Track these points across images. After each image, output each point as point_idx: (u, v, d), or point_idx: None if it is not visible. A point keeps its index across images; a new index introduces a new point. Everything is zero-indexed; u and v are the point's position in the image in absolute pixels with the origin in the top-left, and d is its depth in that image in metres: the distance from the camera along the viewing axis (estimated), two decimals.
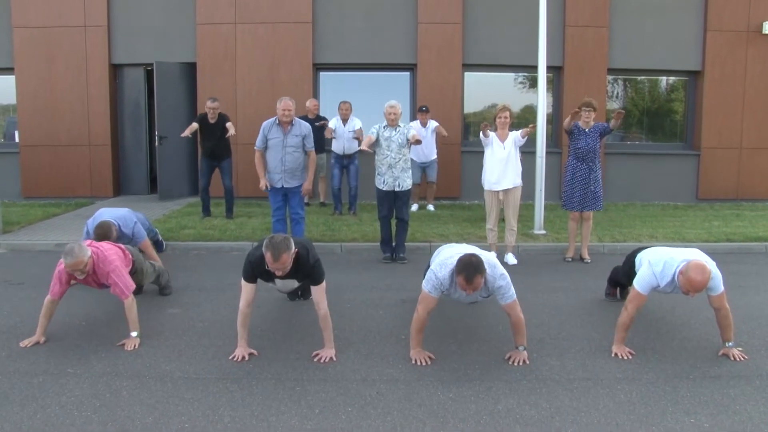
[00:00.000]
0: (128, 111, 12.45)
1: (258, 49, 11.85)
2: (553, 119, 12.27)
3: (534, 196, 9.13)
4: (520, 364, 4.54)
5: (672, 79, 12.74)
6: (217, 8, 11.76)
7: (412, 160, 10.72)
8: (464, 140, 12.30)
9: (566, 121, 7.75)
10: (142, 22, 11.91)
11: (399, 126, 7.57)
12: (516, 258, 7.81)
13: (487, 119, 12.52)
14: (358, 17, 11.85)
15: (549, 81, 11.79)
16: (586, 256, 7.90)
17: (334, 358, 4.61)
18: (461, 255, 4.37)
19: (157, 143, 11.67)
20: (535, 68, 9.48)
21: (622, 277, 5.68)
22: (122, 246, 5.40)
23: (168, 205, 11.29)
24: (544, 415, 3.80)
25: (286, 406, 3.90)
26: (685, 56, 12.19)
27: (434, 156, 10.90)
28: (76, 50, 11.86)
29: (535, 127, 8.10)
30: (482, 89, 12.39)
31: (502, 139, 7.61)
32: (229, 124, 9.74)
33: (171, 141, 11.80)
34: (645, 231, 9.18)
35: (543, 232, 9.02)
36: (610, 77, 12.35)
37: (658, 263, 4.61)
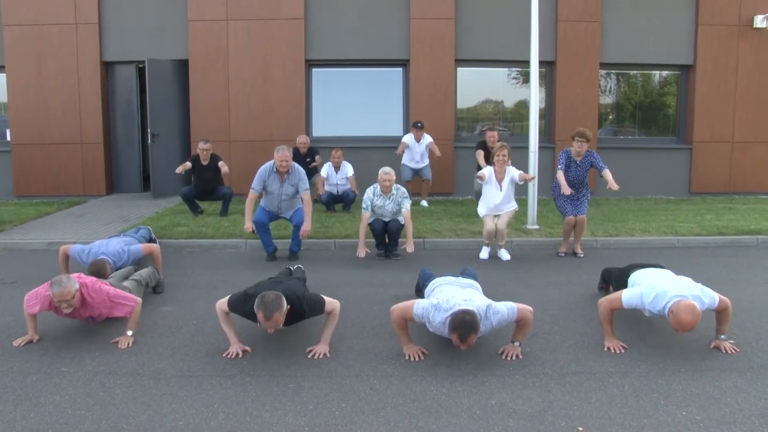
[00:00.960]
0: (120, 109, 12.41)
1: (250, 46, 11.82)
2: (546, 114, 12.29)
3: (527, 191, 9.15)
4: (513, 358, 4.55)
5: (664, 73, 12.77)
6: (209, 5, 11.73)
7: (404, 164, 10.79)
8: (457, 136, 12.31)
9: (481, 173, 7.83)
10: (133, 19, 11.87)
11: (392, 193, 7.57)
12: (509, 254, 7.83)
13: (481, 115, 12.60)
14: (351, 13, 11.84)
15: (541, 76, 11.81)
16: (579, 250, 7.93)
17: (328, 354, 4.62)
18: (456, 311, 4.30)
19: (149, 141, 11.65)
20: (527, 63, 9.49)
21: (614, 284, 5.72)
22: (106, 282, 5.32)
23: (161, 203, 11.27)
24: (536, 409, 3.81)
25: (280, 403, 3.90)
26: (677, 50, 12.23)
27: (427, 163, 10.94)
28: (68, 48, 11.81)
29: (533, 178, 8.30)
30: (475, 84, 12.41)
31: (500, 178, 7.71)
32: (221, 163, 9.87)
33: (164, 138, 11.79)
34: (638, 225, 9.21)
35: (536, 227, 9.04)
36: (602, 72, 12.38)
37: (649, 293, 4.62)
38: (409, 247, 7.39)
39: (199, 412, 3.78)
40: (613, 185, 7.48)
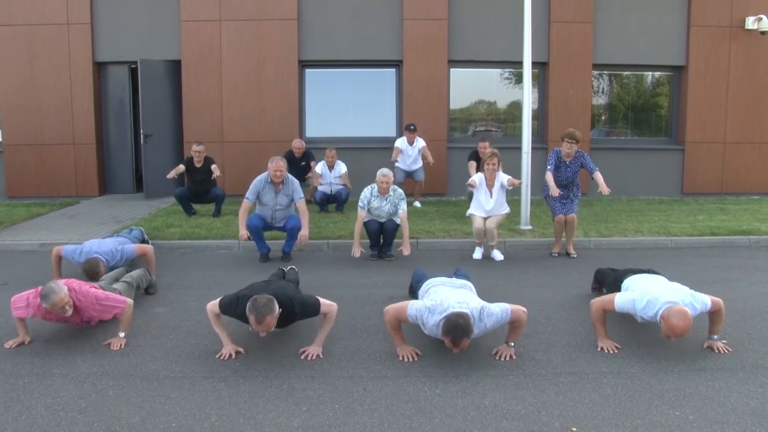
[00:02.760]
0: (113, 109, 12.37)
1: (243, 47, 11.80)
2: (539, 115, 12.31)
3: (520, 191, 9.16)
4: (507, 359, 4.56)
5: (657, 74, 12.82)
6: (202, 5, 11.70)
7: (397, 166, 10.78)
8: (450, 136, 12.32)
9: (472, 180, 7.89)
10: (126, 19, 11.83)
11: (389, 195, 7.57)
12: (502, 254, 7.83)
13: (474, 116, 12.61)
14: (344, 14, 11.84)
15: (534, 77, 11.84)
16: (572, 251, 7.94)
17: (321, 356, 4.61)
18: (449, 314, 4.30)
19: (142, 141, 11.61)
20: (520, 64, 9.50)
21: (607, 287, 5.73)
22: (95, 285, 5.29)
23: (154, 204, 11.24)
24: (530, 409, 3.82)
25: (273, 404, 3.89)
26: (670, 51, 12.27)
27: (420, 165, 10.95)
28: (60, 48, 11.76)
29: (521, 183, 8.33)
30: (468, 85, 12.42)
31: (490, 185, 7.75)
32: (214, 167, 9.87)
33: (156, 139, 11.75)
34: (630, 225, 9.23)
35: (529, 227, 9.05)
36: (595, 72, 12.41)
37: (641, 299, 4.64)
38: (406, 250, 7.39)
39: (191, 414, 3.76)
40: (605, 189, 7.49)
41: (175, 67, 11.99)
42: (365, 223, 7.66)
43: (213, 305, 4.68)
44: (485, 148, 9.93)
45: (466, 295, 4.66)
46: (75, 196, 11.98)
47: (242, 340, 4.88)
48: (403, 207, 7.56)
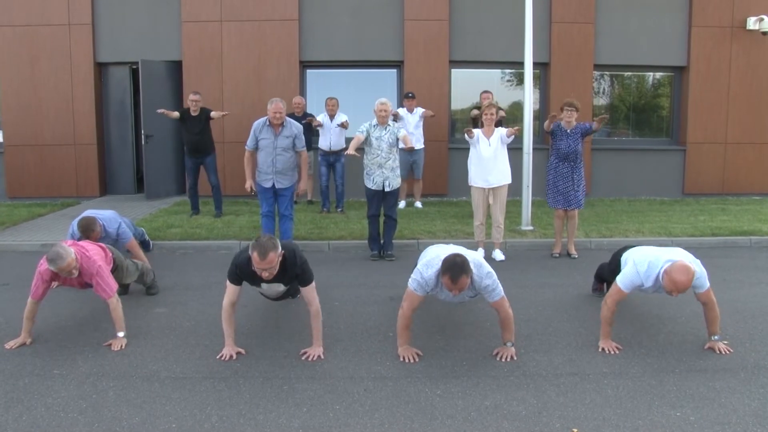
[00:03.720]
0: (114, 110, 12.37)
1: (244, 47, 11.80)
2: (540, 115, 12.29)
3: (521, 192, 9.16)
4: (508, 359, 4.55)
5: (658, 74, 12.80)
6: (203, 6, 11.70)
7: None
8: (451, 137, 12.31)
9: (546, 123, 7.79)
10: (127, 20, 11.84)
11: (389, 125, 7.56)
12: (503, 254, 7.83)
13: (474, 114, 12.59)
14: (345, 14, 11.83)
15: (535, 77, 11.83)
16: (573, 251, 7.93)
17: (322, 356, 4.60)
18: (446, 255, 4.36)
19: (143, 142, 11.60)
20: (521, 64, 9.50)
21: (607, 275, 5.71)
22: (103, 245, 5.38)
23: (155, 204, 11.24)
24: (531, 410, 3.81)
25: (274, 405, 3.89)
26: (671, 52, 12.26)
27: (422, 145, 10.91)
28: (61, 49, 11.77)
29: (520, 130, 8.13)
30: (469, 86, 12.40)
31: (488, 135, 7.61)
32: (214, 113, 9.73)
33: (157, 140, 11.75)
34: (632, 226, 9.23)
35: (530, 228, 9.05)
36: (596, 73, 12.40)
37: (642, 263, 4.64)
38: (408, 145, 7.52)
39: (192, 414, 3.76)
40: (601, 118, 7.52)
41: (176, 67, 12.00)
42: (368, 218, 7.74)
43: (225, 297, 4.64)
44: (486, 98, 9.88)
45: (462, 250, 4.68)
46: (76, 196, 11.98)
47: (243, 340, 4.88)
48: (403, 132, 7.59)
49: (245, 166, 7.65)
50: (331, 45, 11.90)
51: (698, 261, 4.64)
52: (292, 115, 10.24)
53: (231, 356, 4.59)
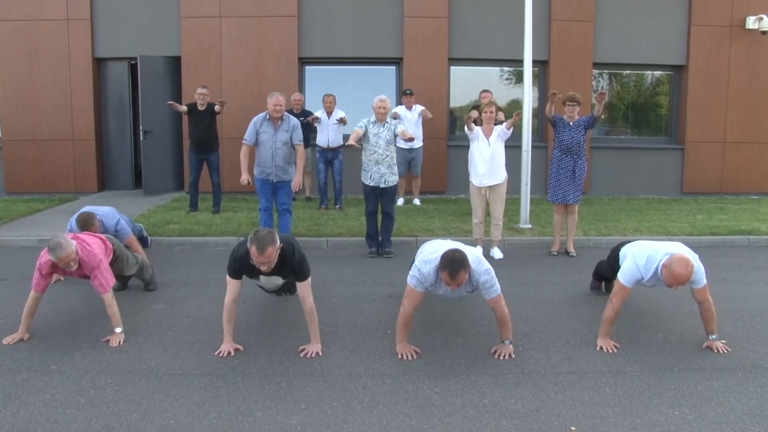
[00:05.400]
0: (112, 105, 12.35)
1: (243, 43, 11.78)
2: (539, 113, 12.29)
3: (520, 190, 9.15)
4: (506, 357, 4.55)
5: (657, 73, 12.80)
6: (202, 1, 11.67)
7: (397, 146, 10.75)
8: (450, 134, 12.31)
9: (547, 108, 7.77)
10: (125, 15, 11.80)
11: (387, 122, 7.56)
12: (502, 252, 7.83)
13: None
14: (344, 11, 11.81)
15: (534, 75, 11.82)
16: (572, 249, 7.93)
17: (320, 353, 4.60)
18: (445, 250, 4.37)
19: (141, 138, 11.58)
20: (520, 62, 9.50)
21: (606, 271, 5.71)
22: (102, 236, 5.38)
23: (153, 200, 11.22)
24: (529, 408, 3.81)
25: (272, 402, 3.89)
26: (670, 50, 12.26)
27: (420, 143, 10.89)
28: (59, 44, 11.73)
29: (520, 114, 8.05)
30: (468, 83, 12.39)
31: (488, 134, 7.59)
32: (217, 107, 9.72)
33: (156, 135, 11.72)
34: (630, 225, 9.23)
35: (529, 226, 9.05)
36: (595, 71, 12.39)
37: (641, 256, 4.65)
38: (404, 134, 7.49)
39: (190, 411, 3.76)
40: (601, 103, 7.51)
41: (174, 63, 11.97)
42: (366, 215, 7.73)
43: (228, 290, 4.62)
44: (486, 97, 9.89)
45: (460, 245, 4.67)
46: (74, 191, 11.96)
47: (241, 337, 4.87)
48: (401, 127, 7.59)
49: (241, 160, 7.63)
50: (330, 41, 11.88)
51: (696, 256, 4.65)
52: (290, 112, 10.23)
53: (229, 353, 4.59)
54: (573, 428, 3.57)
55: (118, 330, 4.87)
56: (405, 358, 4.55)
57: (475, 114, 7.66)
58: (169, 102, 9.96)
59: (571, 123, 7.73)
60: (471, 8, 11.86)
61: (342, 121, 10.24)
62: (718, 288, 6.23)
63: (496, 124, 7.70)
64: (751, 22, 12.00)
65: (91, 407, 3.79)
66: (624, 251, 5.07)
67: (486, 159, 7.56)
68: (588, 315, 5.50)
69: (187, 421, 3.65)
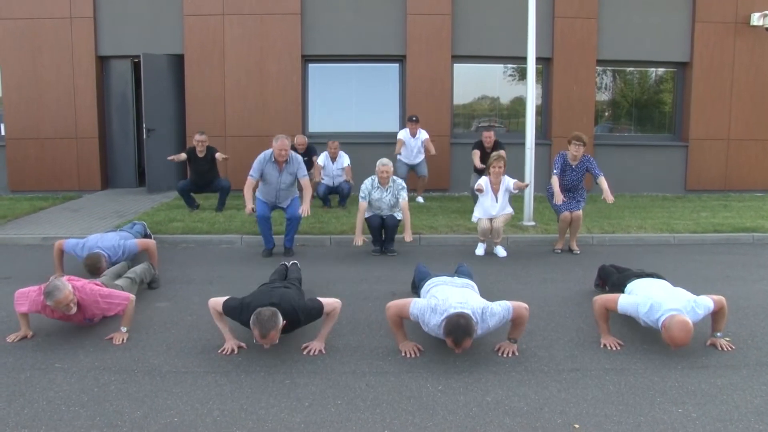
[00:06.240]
0: (115, 103, 12.36)
1: (246, 41, 11.78)
2: (542, 111, 12.28)
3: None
4: (509, 355, 4.54)
5: (661, 70, 12.77)
6: None
7: (399, 159, 10.77)
8: (453, 132, 12.29)
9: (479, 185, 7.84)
10: (128, 13, 11.82)
11: (390, 185, 7.56)
12: (505, 250, 7.82)
13: (477, 112, 12.58)
14: (347, 8, 11.80)
15: (538, 72, 11.80)
16: (575, 247, 7.92)
17: (323, 351, 4.60)
18: (450, 315, 4.29)
19: (145, 136, 11.60)
20: (524, 59, 9.48)
21: (610, 287, 5.70)
22: (93, 281, 5.27)
23: (156, 198, 11.24)
24: (533, 406, 3.81)
25: (276, 399, 3.89)
26: (674, 47, 12.23)
27: (422, 158, 10.91)
28: (62, 42, 11.75)
29: (527, 185, 8.36)
30: (471, 81, 12.39)
31: (496, 191, 7.71)
32: (218, 154, 9.91)
33: (159, 133, 11.75)
34: (634, 222, 9.21)
35: (532, 223, 9.04)
36: (599, 68, 12.37)
37: (645, 304, 4.63)
38: (407, 237, 7.41)
39: (194, 409, 3.76)
40: (609, 197, 7.47)
41: (177, 61, 11.98)
42: (367, 219, 7.65)
43: (216, 303, 4.66)
44: (489, 138, 9.95)
45: (468, 295, 4.63)
46: (77, 190, 11.98)
47: (244, 335, 4.87)
48: (404, 196, 7.56)
49: (245, 192, 7.48)
50: (333, 39, 11.87)
51: (697, 300, 4.60)
52: (293, 150, 10.28)
53: (233, 350, 4.59)
54: (576, 426, 3.56)
55: (124, 329, 4.88)
56: (408, 355, 4.55)
57: (483, 183, 7.70)
58: (170, 157, 10.14)
59: (573, 165, 7.78)
60: (474, 5, 11.84)
61: (346, 172, 10.29)
62: (722, 286, 6.21)
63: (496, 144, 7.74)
64: (756, 19, 11.97)
65: (94, 405, 3.80)
66: (631, 288, 5.08)
67: (492, 213, 7.74)
68: (591, 313, 5.46)
69: (190, 418, 3.65)
